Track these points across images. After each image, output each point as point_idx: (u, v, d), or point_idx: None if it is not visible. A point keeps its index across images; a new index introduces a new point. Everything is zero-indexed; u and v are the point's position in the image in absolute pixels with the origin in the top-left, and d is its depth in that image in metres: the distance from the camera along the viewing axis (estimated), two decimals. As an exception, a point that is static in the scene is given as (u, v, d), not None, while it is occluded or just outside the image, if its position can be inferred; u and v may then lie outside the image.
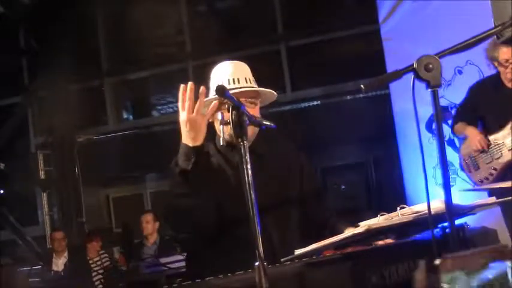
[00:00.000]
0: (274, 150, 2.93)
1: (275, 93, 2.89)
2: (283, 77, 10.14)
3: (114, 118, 11.24)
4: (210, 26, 10.92)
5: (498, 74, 4.90)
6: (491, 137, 4.89)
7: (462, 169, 5.20)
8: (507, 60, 4.69)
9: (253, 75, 2.88)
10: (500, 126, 4.81)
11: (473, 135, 4.95)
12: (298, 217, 2.90)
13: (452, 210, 1.80)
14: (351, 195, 10.13)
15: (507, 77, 4.76)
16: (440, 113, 1.84)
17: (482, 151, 4.89)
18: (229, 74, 2.81)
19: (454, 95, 6.12)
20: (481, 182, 4.95)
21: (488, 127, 4.97)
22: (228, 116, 2.23)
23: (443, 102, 6.20)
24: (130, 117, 11.81)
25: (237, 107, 2.20)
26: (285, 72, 10.16)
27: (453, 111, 5.78)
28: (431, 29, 6.27)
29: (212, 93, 2.80)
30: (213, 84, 2.83)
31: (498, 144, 4.84)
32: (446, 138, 6.25)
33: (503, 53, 4.68)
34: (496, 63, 4.84)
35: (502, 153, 4.81)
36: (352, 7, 10.02)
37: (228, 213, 2.73)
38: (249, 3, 10.46)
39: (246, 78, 2.82)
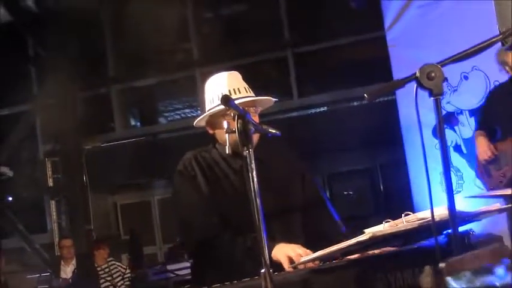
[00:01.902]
0: (274, 155, 2.96)
1: (272, 99, 2.93)
2: (290, 83, 10.17)
3: (122, 125, 11.29)
4: (217, 33, 10.96)
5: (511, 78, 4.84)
6: (501, 144, 4.86)
7: (478, 177, 5.22)
8: None
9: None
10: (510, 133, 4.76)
11: (479, 145, 4.97)
12: (300, 224, 2.92)
13: (455, 217, 1.82)
14: (358, 201, 10.13)
15: None
16: (442, 121, 1.85)
17: (491, 160, 4.89)
18: (228, 85, 2.85)
19: (460, 100, 6.13)
20: (493, 189, 4.90)
21: (503, 133, 4.92)
22: (233, 124, 2.26)
23: (449, 107, 6.20)
24: (138, 124, 11.85)
25: (242, 116, 2.23)
26: (292, 79, 10.19)
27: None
28: (436, 35, 6.28)
29: (210, 104, 2.84)
30: (212, 95, 2.87)
31: (507, 152, 4.79)
32: (453, 144, 6.25)
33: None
34: (507, 68, 4.79)
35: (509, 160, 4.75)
36: (358, 13, 10.04)
37: (232, 219, 2.76)
38: (255, 10, 10.50)
39: (245, 88, 2.87)
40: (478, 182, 5.83)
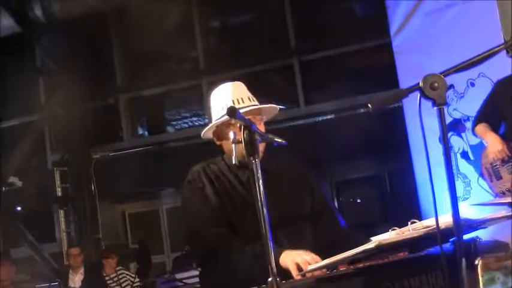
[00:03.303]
0: (281, 166, 2.98)
1: (277, 107, 2.95)
2: (297, 91, 10.17)
3: (130, 134, 11.32)
4: (223, 42, 11.00)
5: None
6: None
7: (482, 177, 4.85)
8: None
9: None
10: None
11: (494, 143, 4.51)
12: (310, 233, 2.94)
13: (459, 225, 1.83)
14: (365, 209, 10.12)
15: None
16: (446, 130, 1.87)
17: (505, 161, 4.50)
18: (232, 95, 2.89)
19: (467, 107, 6.14)
20: (503, 193, 4.53)
21: (511, 129, 4.58)
22: (239, 135, 2.29)
23: (456, 114, 6.22)
24: (145, 133, 11.89)
25: (248, 126, 2.26)
26: (298, 87, 10.19)
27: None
28: (442, 42, 6.31)
29: (216, 115, 2.88)
30: (217, 106, 2.91)
31: None
32: (460, 150, 6.25)
33: None
34: None
35: None
36: (364, 20, 10.06)
37: (241, 230, 2.77)
38: (261, 18, 10.54)
39: (249, 97, 2.90)
40: (486, 186, 5.77)
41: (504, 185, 4.57)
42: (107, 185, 10.41)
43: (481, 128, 4.70)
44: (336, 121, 9.68)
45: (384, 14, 7.09)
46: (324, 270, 2.45)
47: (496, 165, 4.59)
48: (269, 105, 2.92)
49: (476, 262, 1.75)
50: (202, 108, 11.04)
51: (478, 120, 4.80)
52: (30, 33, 9.93)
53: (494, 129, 4.63)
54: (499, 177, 4.61)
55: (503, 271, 1.75)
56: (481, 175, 4.90)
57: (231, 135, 2.54)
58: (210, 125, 2.91)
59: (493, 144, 4.53)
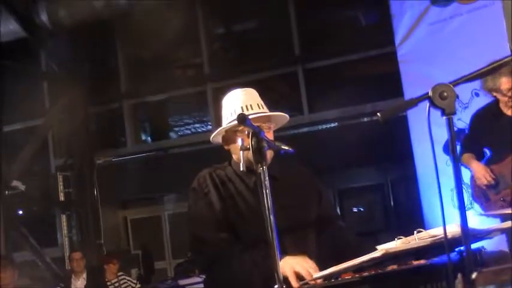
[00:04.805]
0: (289, 173, 2.99)
1: (287, 116, 2.96)
2: (301, 99, 10.18)
3: (133, 140, 11.34)
4: (228, 49, 11.03)
5: (496, 101, 4.87)
6: (496, 167, 4.83)
7: (475, 200, 5.13)
8: (509, 90, 4.67)
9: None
10: (504, 155, 4.74)
11: (477, 170, 4.91)
12: (315, 241, 2.94)
13: (468, 235, 1.83)
14: (368, 217, 10.11)
15: (508, 104, 4.75)
16: (454, 140, 1.87)
17: (492, 186, 4.83)
18: (242, 101, 2.90)
19: (472, 117, 6.14)
20: (502, 202, 4.79)
21: (493, 156, 4.93)
22: (247, 142, 2.29)
23: (460, 124, 6.20)
24: (149, 139, 11.91)
25: (256, 134, 2.27)
26: (302, 94, 10.20)
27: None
28: (446, 52, 6.33)
29: (227, 121, 2.89)
30: (227, 112, 2.93)
31: (504, 174, 4.74)
32: (464, 160, 6.24)
33: (505, 83, 4.65)
34: (496, 94, 4.80)
35: (509, 183, 4.70)
36: (368, 29, 10.09)
37: (245, 235, 2.78)
38: (266, 26, 10.56)
39: (258, 104, 2.91)
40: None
41: (492, 205, 4.88)
42: (109, 190, 10.42)
43: (466, 157, 5.08)
44: (339, 129, 9.69)
45: (389, 23, 7.10)
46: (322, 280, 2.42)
47: (483, 189, 4.95)
48: (278, 113, 2.93)
49: (474, 276, 1.75)
50: (205, 115, 11.06)
51: (462, 151, 5.15)
52: (36, 38, 9.96)
53: (478, 158, 5.02)
54: (488, 200, 4.95)
55: (499, 284, 1.75)
56: (473, 197, 5.17)
57: (239, 141, 2.55)
58: (219, 129, 2.92)
59: (477, 170, 4.93)
